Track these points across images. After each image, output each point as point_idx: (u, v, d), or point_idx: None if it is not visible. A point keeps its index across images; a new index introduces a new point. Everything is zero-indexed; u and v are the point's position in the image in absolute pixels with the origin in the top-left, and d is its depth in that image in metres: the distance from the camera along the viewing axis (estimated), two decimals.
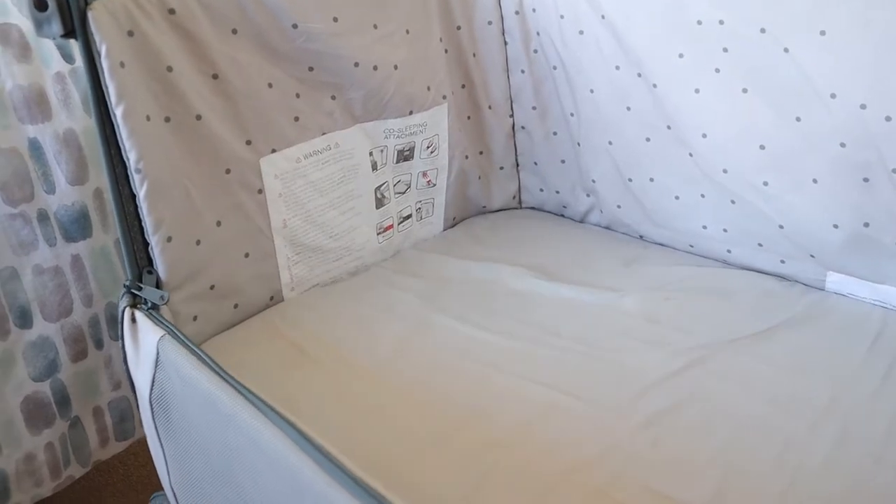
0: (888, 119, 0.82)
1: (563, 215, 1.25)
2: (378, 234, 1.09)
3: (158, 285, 0.82)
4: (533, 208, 1.28)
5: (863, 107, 0.83)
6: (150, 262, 0.82)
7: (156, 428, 0.75)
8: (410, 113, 1.06)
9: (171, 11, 0.80)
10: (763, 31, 0.88)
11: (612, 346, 0.87)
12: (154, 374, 0.70)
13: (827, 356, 0.84)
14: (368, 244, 1.08)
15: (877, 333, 0.88)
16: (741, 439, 0.72)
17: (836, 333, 0.88)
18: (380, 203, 1.08)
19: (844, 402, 0.76)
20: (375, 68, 0.99)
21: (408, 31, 1.03)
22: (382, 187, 1.08)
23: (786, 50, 0.87)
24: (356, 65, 0.96)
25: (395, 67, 1.01)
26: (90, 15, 0.72)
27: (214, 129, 0.84)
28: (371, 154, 1.04)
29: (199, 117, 0.83)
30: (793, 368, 0.82)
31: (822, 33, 0.84)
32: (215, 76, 0.84)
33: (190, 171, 0.83)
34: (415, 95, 1.05)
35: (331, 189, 1.00)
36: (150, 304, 0.78)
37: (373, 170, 1.05)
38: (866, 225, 0.88)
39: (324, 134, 0.98)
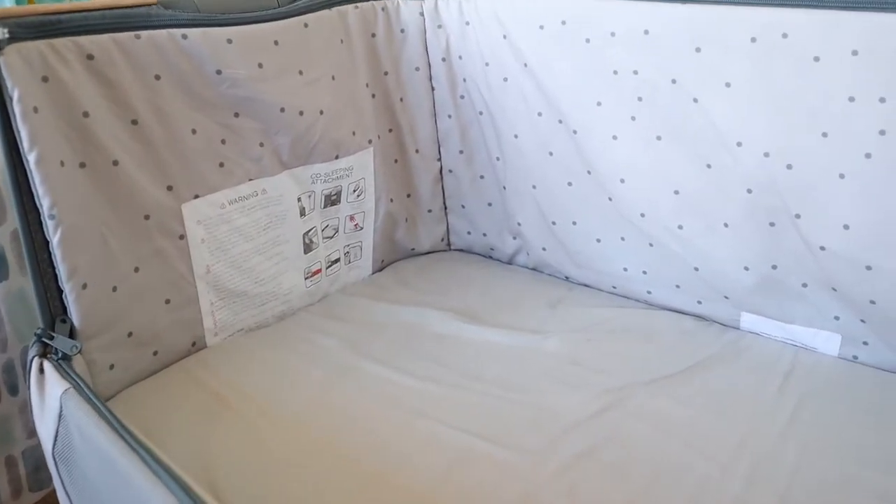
0: (789, 167, 0.86)
1: (491, 257, 1.27)
2: (306, 278, 1.09)
3: (72, 334, 0.81)
4: (461, 250, 1.29)
5: (766, 155, 0.87)
6: (64, 310, 0.80)
7: (62, 482, 0.73)
8: (336, 157, 1.07)
9: (90, 57, 0.79)
10: (674, 81, 0.92)
11: (533, 388, 0.88)
12: (57, 428, 0.69)
13: (740, 396, 0.86)
14: (295, 289, 1.07)
15: (786, 373, 0.90)
16: (656, 482, 0.73)
17: (749, 373, 0.91)
18: (308, 248, 1.08)
19: (754, 442, 0.78)
20: (301, 113, 0.99)
21: (333, 77, 1.05)
22: (311, 232, 1.08)
23: (695, 100, 0.91)
24: (282, 110, 0.97)
25: (321, 112, 1.02)
26: (1, 60, 0.71)
27: (132, 175, 0.84)
28: (300, 199, 1.05)
29: (115, 163, 0.82)
30: (707, 409, 0.84)
31: (728, 85, 0.88)
32: (135, 122, 0.84)
33: (106, 217, 0.82)
34: (341, 140, 1.06)
35: (257, 235, 1.00)
36: (60, 354, 0.76)
37: (301, 215, 1.05)
38: (774, 267, 0.92)
39: (250, 180, 0.98)
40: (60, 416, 0.69)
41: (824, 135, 0.83)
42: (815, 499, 0.71)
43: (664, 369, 0.92)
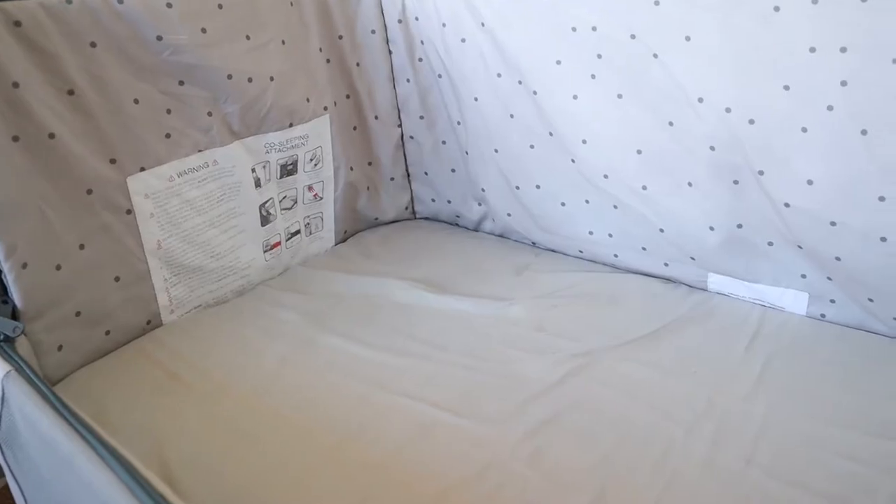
0: (752, 122, 0.83)
1: (457, 224, 1.24)
2: (265, 251, 1.06)
3: (15, 315, 0.77)
4: (427, 218, 1.27)
5: (728, 111, 0.84)
6: (4, 290, 0.77)
7: (8, 466, 0.70)
8: (290, 125, 1.03)
9: (17, 24, 0.75)
10: (633, 37, 0.89)
11: (499, 357, 0.87)
12: (0, 412, 0.66)
13: (707, 358, 0.85)
14: (255, 262, 1.04)
15: (754, 333, 0.89)
16: (622, 446, 0.72)
17: (717, 334, 0.90)
18: (265, 220, 1.05)
19: (720, 403, 0.77)
20: (250, 80, 0.96)
21: (284, 42, 1.01)
22: (267, 204, 1.05)
23: (655, 56, 0.88)
24: (229, 77, 0.93)
25: (272, 79, 0.99)
26: None
27: (71, 147, 0.80)
28: (254, 170, 1.01)
29: (52, 136, 0.78)
30: (674, 372, 0.82)
31: (688, 39, 0.85)
32: (71, 92, 0.80)
33: (45, 192, 0.79)
34: (294, 107, 1.03)
35: (210, 207, 0.97)
36: (2, 336, 0.73)
37: (256, 186, 1.02)
38: (740, 226, 0.90)
39: (200, 151, 0.94)
40: (3, 399, 0.66)
41: (786, 88, 0.80)
42: (780, 458, 0.70)
43: (631, 333, 0.90)
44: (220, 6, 0.92)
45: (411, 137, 1.19)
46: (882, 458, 0.69)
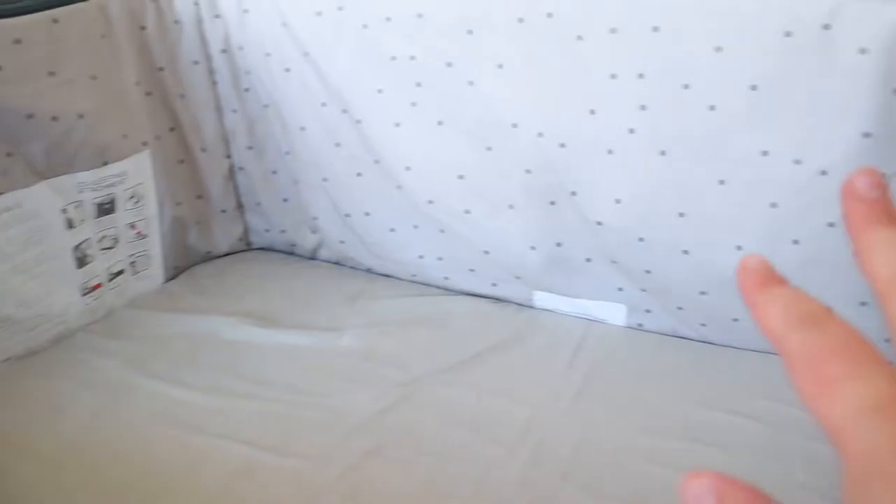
0: (562, 146, 0.87)
1: (293, 254, 1.22)
2: (83, 295, 1.00)
3: None
4: (262, 249, 1.24)
5: (540, 135, 0.88)
6: None
7: None
8: (105, 163, 0.99)
9: None
10: (449, 65, 0.91)
11: (324, 390, 0.85)
12: None
13: (530, 375, 0.87)
14: (72, 307, 0.99)
15: (576, 347, 0.93)
16: (442, 472, 0.72)
17: (541, 351, 0.92)
18: (82, 262, 0.99)
19: (540, 420, 0.79)
20: (55, 119, 0.91)
21: (94, 77, 0.96)
22: (83, 245, 0.99)
23: (471, 83, 0.90)
24: (30, 116, 0.88)
25: (81, 116, 0.94)
26: None
27: None
28: (65, 211, 0.96)
29: None
30: (497, 392, 0.84)
31: (500, 66, 0.88)
32: None
33: None
34: (108, 144, 0.98)
35: (16, 253, 0.91)
36: None
37: (69, 227, 0.97)
38: (559, 245, 0.93)
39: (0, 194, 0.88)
40: None
41: (591, 112, 0.84)
42: (596, 471, 0.72)
43: (458, 355, 0.91)
44: (17, 41, 0.87)
45: (241, 168, 1.17)
46: (689, 460, 0.73)
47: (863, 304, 0.82)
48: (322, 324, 0.99)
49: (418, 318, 1.01)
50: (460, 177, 0.95)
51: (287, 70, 1.05)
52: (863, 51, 0.71)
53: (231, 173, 1.17)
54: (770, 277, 0.22)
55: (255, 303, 1.06)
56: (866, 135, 0.73)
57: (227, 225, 1.20)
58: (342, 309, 1.04)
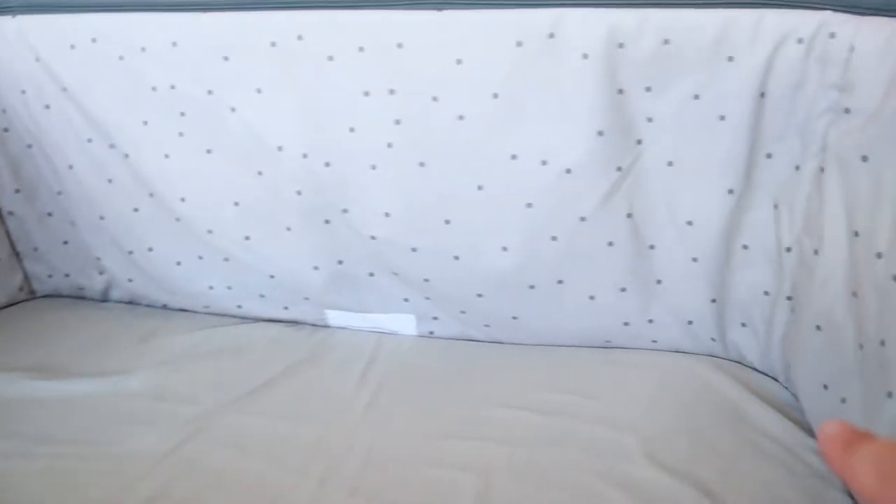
0: (328, 165, 0.88)
1: (82, 297, 1.16)
2: None
3: None
4: (48, 296, 1.18)
5: (305, 156, 0.88)
6: None
7: None
8: None
9: None
10: (210, 92, 0.90)
11: (111, 438, 0.82)
12: None
13: (322, 395, 0.87)
14: None
15: (369, 361, 0.93)
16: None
17: (335, 369, 0.93)
18: None
19: (330, 439, 0.79)
20: None
21: None
22: None
23: (233, 109, 0.89)
24: None
25: None
26: None
27: None
28: None
29: None
30: (288, 416, 0.83)
31: (259, 91, 0.87)
32: None
33: None
34: None
35: None
36: None
37: None
38: (340, 262, 0.94)
39: None
40: None
41: (351, 130, 0.85)
42: (385, 482, 0.73)
43: (251, 383, 0.90)
44: None
45: (11, 213, 1.10)
46: (474, 459, 0.75)
47: (623, 289, 0.87)
48: (112, 368, 0.95)
49: (212, 350, 0.99)
50: (236, 203, 0.94)
51: (47, 107, 1.00)
52: (585, 56, 0.75)
53: (1, 219, 1.10)
54: (852, 438, 0.23)
55: (40, 354, 1.00)
56: (600, 133, 0.78)
57: (2, 275, 1.13)
58: (134, 350, 1.00)
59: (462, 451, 0.78)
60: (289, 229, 0.93)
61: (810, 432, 0.79)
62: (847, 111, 0.70)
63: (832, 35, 0.69)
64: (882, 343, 0.63)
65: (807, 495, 0.71)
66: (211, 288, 1.03)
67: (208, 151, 0.93)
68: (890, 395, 0.61)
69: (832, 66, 0.70)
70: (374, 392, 0.87)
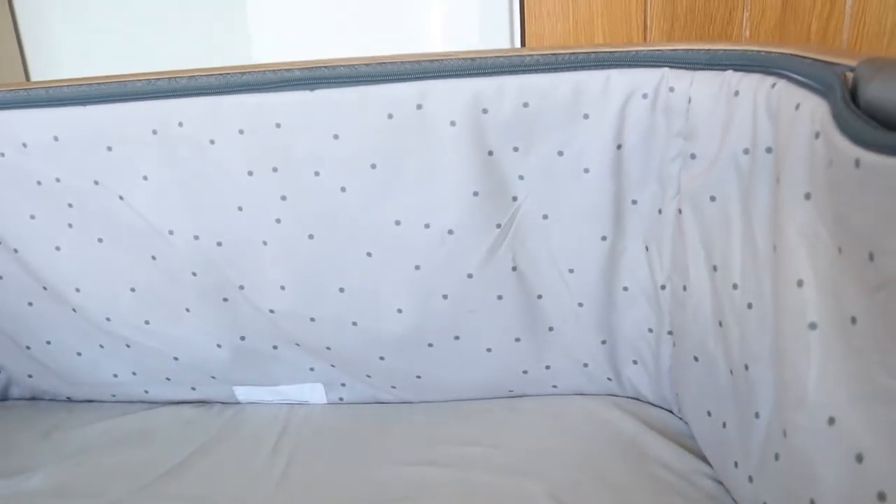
0: (220, 244, 0.89)
1: None
2: None
3: None
4: None
5: (196, 238, 0.89)
6: None
7: None
8: None
9: None
10: (97, 183, 0.91)
11: None
12: None
13: (234, 471, 0.87)
14: None
15: (280, 433, 0.94)
16: None
17: (245, 444, 0.93)
18: None
19: None
20: None
21: None
22: None
23: (121, 198, 0.90)
24: None
25: None
26: None
27: None
28: None
29: None
30: (198, 497, 0.83)
31: (145, 178, 0.89)
32: None
33: None
34: None
35: None
36: None
37: None
38: (243, 338, 0.95)
39: None
40: None
41: (240, 209, 0.87)
42: None
43: (161, 468, 0.89)
44: None
45: None
46: None
47: (517, 339, 0.90)
48: (12, 468, 0.93)
49: (119, 438, 0.98)
50: (132, 289, 0.94)
51: None
52: (453, 123, 0.80)
53: None
54: None
55: None
56: (475, 193, 0.82)
57: None
58: (35, 447, 0.98)
59: None
60: (188, 310, 0.94)
61: (703, 458, 0.82)
62: (693, 156, 0.75)
63: (671, 89, 0.75)
64: (746, 367, 0.67)
65: None
66: (115, 376, 1.02)
67: (100, 240, 0.93)
68: (757, 415, 0.65)
69: (675, 117, 0.76)
70: (287, 463, 0.88)
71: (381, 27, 1.22)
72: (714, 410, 0.77)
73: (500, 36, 1.14)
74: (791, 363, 0.56)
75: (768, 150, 0.64)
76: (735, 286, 0.70)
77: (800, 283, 0.56)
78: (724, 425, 0.75)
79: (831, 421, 0.51)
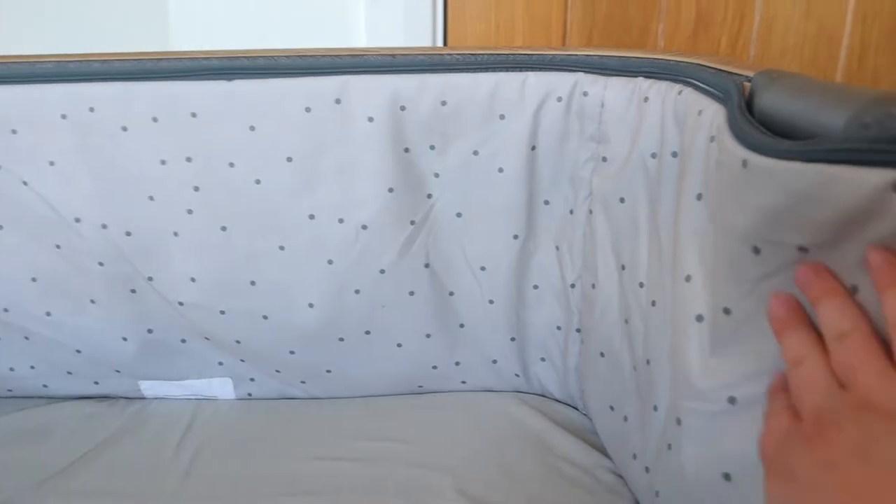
0: (129, 234, 0.87)
1: None
2: None
3: None
4: None
5: (104, 227, 0.87)
6: None
7: None
8: None
9: None
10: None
11: None
12: None
13: (137, 467, 0.85)
14: None
15: (186, 429, 0.92)
16: None
17: (150, 440, 0.91)
18: None
19: None
20: None
21: None
22: None
23: (25, 183, 0.87)
24: None
25: None
26: None
27: None
28: None
29: None
30: (100, 493, 0.81)
31: (52, 164, 0.86)
32: None
33: None
34: None
35: None
36: None
37: None
38: (150, 331, 0.93)
39: None
40: None
41: (151, 198, 0.86)
42: None
43: (59, 464, 0.86)
44: None
45: None
46: None
47: (428, 335, 0.91)
48: None
49: (15, 434, 0.94)
50: (33, 279, 0.91)
51: None
52: (371, 119, 0.80)
53: None
54: None
55: None
56: (391, 189, 0.83)
57: None
58: None
59: None
60: (93, 301, 0.91)
61: (605, 453, 0.85)
62: (604, 159, 0.78)
63: (585, 93, 0.78)
64: (648, 362, 0.70)
65: None
66: (12, 370, 0.99)
67: (0, 227, 0.90)
68: (655, 408, 0.68)
69: (589, 121, 0.78)
70: (192, 459, 0.87)
71: (306, 24, 1.21)
72: (617, 405, 0.80)
73: (423, 36, 1.15)
74: (683, 353, 0.58)
75: (674, 154, 0.67)
76: (641, 285, 0.73)
77: (688, 279, 0.59)
78: (626, 419, 0.78)
79: (731, 400, 0.54)
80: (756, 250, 0.49)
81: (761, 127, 0.50)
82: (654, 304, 0.69)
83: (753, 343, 0.51)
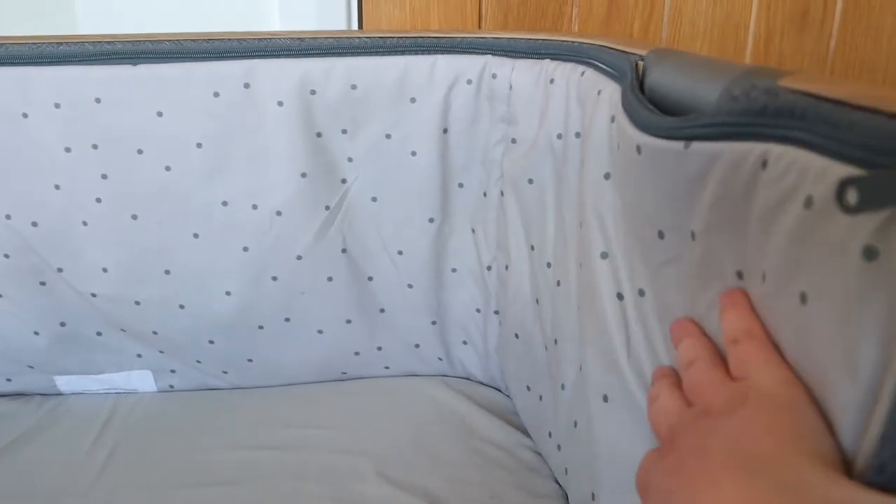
0: (35, 224, 0.85)
1: None
2: None
3: None
4: None
5: (9, 217, 0.85)
6: None
7: None
8: None
9: None
10: None
11: None
12: None
13: (52, 465, 0.83)
14: None
15: (104, 423, 0.90)
16: None
17: (66, 436, 0.89)
18: None
19: None
20: None
21: None
22: None
23: None
24: None
25: None
26: None
27: None
28: None
29: None
30: (12, 494, 0.79)
31: None
32: None
33: None
34: None
35: None
36: None
37: None
38: (63, 324, 0.90)
39: None
40: None
41: (57, 187, 0.83)
42: None
43: None
44: None
45: None
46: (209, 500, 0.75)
47: (348, 321, 0.91)
48: None
49: None
50: None
51: None
52: (280, 103, 0.79)
53: None
54: None
55: None
56: (304, 174, 0.82)
57: None
58: None
59: (201, 497, 0.78)
60: (0, 295, 0.89)
61: (525, 432, 0.86)
62: (514, 141, 0.79)
63: (494, 76, 0.78)
64: (555, 342, 0.71)
65: (522, 488, 0.78)
66: None
67: None
68: (563, 386, 0.69)
69: (498, 103, 0.79)
70: (110, 453, 0.85)
71: (220, 9, 1.19)
72: (532, 385, 0.81)
73: (338, 21, 1.14)
74: (604, 331, 0.58)
75: (577, 134, 0.68)
76: (549, 265, 0.74)
77: (604, 255, 0.60)
78: (541, 398, 0.79)
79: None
80: (661, 235, 0.50)
81: (650, 105, 0.51)
82: (559, 283, 0.70)
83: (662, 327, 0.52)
